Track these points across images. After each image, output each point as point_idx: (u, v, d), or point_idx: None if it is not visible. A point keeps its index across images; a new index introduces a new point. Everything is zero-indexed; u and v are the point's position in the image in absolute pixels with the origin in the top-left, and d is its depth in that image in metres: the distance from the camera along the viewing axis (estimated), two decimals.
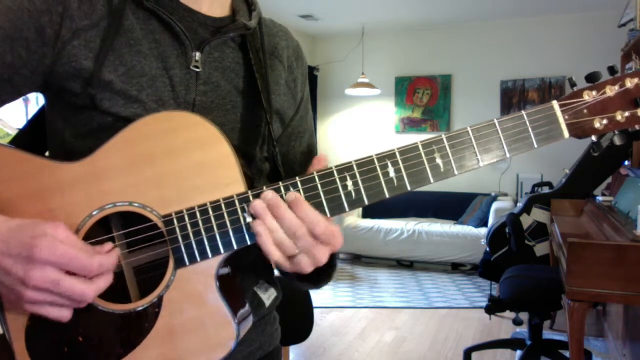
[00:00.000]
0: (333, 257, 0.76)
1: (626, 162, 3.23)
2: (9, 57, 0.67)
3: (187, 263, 0.66)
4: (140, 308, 0.66)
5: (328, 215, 0.66)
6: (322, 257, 0.66)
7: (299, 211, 0.64)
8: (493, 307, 2.88)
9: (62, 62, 0.69)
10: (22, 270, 0.59)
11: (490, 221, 5.29)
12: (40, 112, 0.83)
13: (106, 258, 0.62)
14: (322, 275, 0.77)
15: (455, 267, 5.74)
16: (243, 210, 0.66)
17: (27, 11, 0.67)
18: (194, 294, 0.66)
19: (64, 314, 0.62)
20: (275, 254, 0.65)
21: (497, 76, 6.20)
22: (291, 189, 0.66)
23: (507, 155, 0.67)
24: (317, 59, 7.07)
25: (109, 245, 0.65)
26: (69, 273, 0.60)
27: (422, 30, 6.54)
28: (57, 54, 0.69)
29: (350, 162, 0.66)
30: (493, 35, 6.23)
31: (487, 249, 3.60)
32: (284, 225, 0.64)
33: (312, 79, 6.71)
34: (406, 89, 6.69)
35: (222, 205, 0.66)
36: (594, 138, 0.69)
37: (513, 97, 6.13)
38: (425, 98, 6.60)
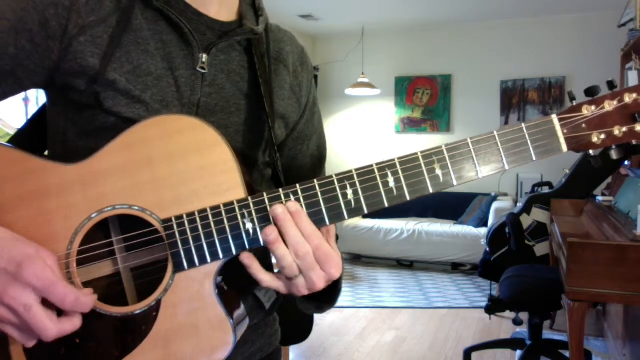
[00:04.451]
0: (338, 282, 0.74)
1: (626, 162, 3.23)
2: (12, 49, 0.67)
3: (186, 267, 0.66)
4: (139, 311, 0.66)
5: (327, 223, 0.66)
6: (318, 282, 0.65)
7: (298, 223, 0.64)
8: (493, 307, 2.88)
9: (68, 58, 0.69)
10: (1, 285, 0.59)
11: (490, 221, 5.29)
12: (40, 112, 0.82)
13: (84, 297, 0.61)
14: (324, 298, 0.76)
15: (455, 267, 5.75)
16: (243, 216, 0.65)
17: (33, 3, 0.67)
18: (192, 298, 0.66)
19: (28, 343, 0.61)
20: (266, 281, 0.66)
21: (497, 76, 6.20)
22: (291, 196, 0.65)
23: (506, 167, 0.67)
24: (317, 59, 7.07)
25: (89, 290, 0.64)
26: (44, 303, 0.60)
27: (422, 30, 6.54)
28: (64, 50, 0.69)
29: (351, 171, 0.66)
30: (493, 35, 6.23)
31: (487, 249, 3.60)
32: (289, 241, 0.64)
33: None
34: (406, 89, 6.69)
35: (222, 211, 0.65)
36: (591, 152, 0.69)
37: (513, 97, 6.13)
38: (425, 98, 6.60)
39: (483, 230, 5.36)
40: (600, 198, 3.35)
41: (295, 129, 0.87)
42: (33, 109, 0.84)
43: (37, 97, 2.99)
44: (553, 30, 5.95)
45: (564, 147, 0.68)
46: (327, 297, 0.76)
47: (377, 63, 6.74)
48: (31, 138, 0.82)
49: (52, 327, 0.59)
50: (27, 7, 0.67)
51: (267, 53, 0.82)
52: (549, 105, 5.97)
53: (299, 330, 1.07)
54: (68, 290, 0.60)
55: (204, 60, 0.75)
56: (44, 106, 0.81)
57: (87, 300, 0.61)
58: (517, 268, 3.08)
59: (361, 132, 6.92)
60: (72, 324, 0.62)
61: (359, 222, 6.04)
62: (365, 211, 0.66)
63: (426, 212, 6.25)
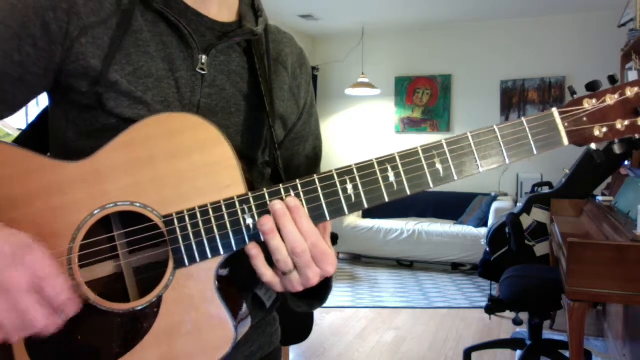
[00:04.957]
0: (329, 280, 0.75)
1: (626, 162, 3.23)
2: (17, 56, 0.67)
3: (187, 264, 0.66)
4: (140, 308, 0.66)
5: (328, 218, 0.66)
6: (313, 278, 0.65)
7: (296, 219, 0.64)
8: (493, 307, 2.88)
9: (70, 60, 0.69)
10: (1, 266, 0.57)
11: (490, 221, 5.29)
12: (43, 114, 0.83)
13: (74, 300, 0.60)
14: (315, 296, 0.76)
15: (455, 267, 5.75)
16: (243, 212, 0.65)
17: (33, 8, 0.67)
18: (193, 294, 0.66)
19: (16, 334, 0.59)
20: (267, 275, 0.66)
21: (497, 76, 6.20)
22: (291, 191, 0.66)
23: (507, 161, 0.67)
24: (317, 59, 7.07)
25: (80, 296, 0.63)
26: None
27: (422, 30, 6.54)
28: (66, 52, 0.69)
29: (351, 166, 0.66)
30: (493, 35, 6.23)
31: (487, 249, 3.60)
32: (286, 237, 0.64)
33: (312, 79, 6.71)
34: (406, 89, 6.69)
35: (223, 207, 0.66)
36: (593, 146, 0.69)
37: (513, 97, 6.13)
38: (425, 98, 6.60)
39: (483, 230, 5.36)
40: (600, 198, 3.36)
41: (292, 130, 0.88)
42: (33, 109, 0.85)
43: (37, 99, 2.98)
44: (553, 30, 5.95)
45: (565, 141, 0.68)
46: (319, 294, 0.76)
47: (377, 63, 6.74)
48: (33, 140, 0.82)
49: (41, 318, 0.58)
50: (27, 13, 0.67)
51: (266, 54, 0.83)
52: (549, 105, 5.97)
53: (299, 330, 1.07)
54: (66, 286, 0.60)
55: (203, 61, 0.75)
56: (45, 110, 0.81)
57: (77, 303, 0.61)
58: (517, 268, 3.08)
59: (361, 132, 6.92)
60: (64, 317, 0.61)
61: (359, 222, 6.05)
62: (366, 206, 0.66)
63: (426, 212, 6.25)
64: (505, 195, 5.95)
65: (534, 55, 6.02)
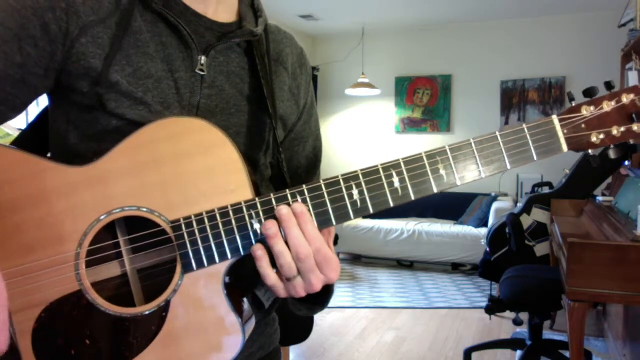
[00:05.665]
0: (331, 285, 0.75)
1: (626, 162, 3.23)
2: (18, 57, 0.67)
3: (195, 268, 0.66)
4: (148, 312, 0.66)
5: (334, 223, 0.67)
6: (317, 284, 0.66)
7: (301, 224, 0.64)
8: (493, 307, 2.88)
9: (71, 60, 0.69)
10: None
11: (490, 221, 5.29)
12: (43, 114, 0.83)
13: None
14: (316, 300, 0.76)
15: (455, 267, 5.75)
16: (251, 217, 0.66)
17: (31, 9, 0.67)
18: (200, 298, 0.67)
19: None
20: (271, 277, 0.66)
21: (497, 76, 6.21)
22: (298, 196, 0.66)
23: (508, 167, 0.68)
24: (317, 59, 7.07)
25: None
26: None
27: (422, 30, 6.54)
28: (67, 52, 0.69)
29: (356, 171, 0.67)
30: (493, 35, 6.23)
31: (487, 249, 3.60)
32: (290, 242, 0.64)
33: (312, 79, 6.71)
34: (406, 89, 6.69)
35: (230, 212, 0.66)
36: (590, 151, 0.70)
37: (513, 97, 6.13)
38: (425, 98, 6.60)
39: (483, 230, 5.36)
40: (600, 198, 3.36)
41: (292, 130, 0.88)
42: (33, 109, 0.85)
43: (37, 99, 2.97)
44: (553, 30, 5.95)
45: (564, 147, 0.69)
46: (320, 299, 0.76)
47: (377, 63, 6.74)
48: (32, 140, 0.82)
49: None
50: (26, 13, 0.67)
51: (267, 54, 0.83)
52: (549, 105, 5.97)
53: (299, 330, 1.07)
54: (4, 338, 0.57)
55: (202, 62, 0.75)
56: (44, 110, 0.81)
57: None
58: (517, 268, 3.08)
59: (361, 132, 6.92)
60: None
61: (359, 222, 6.04)
62: (371, 211, 0.67)
63: (426, 212, 6.25)
64: (505, 195, 5.95)
65: (534, 55, 6.02)
